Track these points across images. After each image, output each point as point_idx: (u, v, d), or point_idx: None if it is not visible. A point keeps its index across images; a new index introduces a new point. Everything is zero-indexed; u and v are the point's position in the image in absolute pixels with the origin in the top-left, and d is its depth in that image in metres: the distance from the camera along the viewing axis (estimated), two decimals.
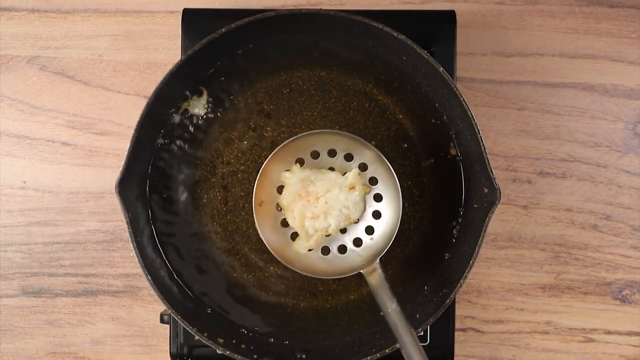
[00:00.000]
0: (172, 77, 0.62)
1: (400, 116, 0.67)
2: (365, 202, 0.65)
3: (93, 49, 0.75)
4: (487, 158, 0.61)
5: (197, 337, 0.63)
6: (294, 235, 0.65)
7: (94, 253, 0.75)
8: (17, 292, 0.76)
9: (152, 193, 0.67)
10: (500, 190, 0.60)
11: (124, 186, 0.61)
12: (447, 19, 0.70)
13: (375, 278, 0.61)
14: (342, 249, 0.65)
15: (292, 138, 0.64)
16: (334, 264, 0.64)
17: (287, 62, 0.67)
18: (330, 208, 0.63)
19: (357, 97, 0.68)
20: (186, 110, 0.67)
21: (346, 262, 0.64)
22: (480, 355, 0.75)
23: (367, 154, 0.64)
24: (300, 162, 0.65)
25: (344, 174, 0.64)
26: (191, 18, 0.70)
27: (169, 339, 0.70)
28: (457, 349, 0.74)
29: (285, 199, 0.64)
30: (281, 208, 0.65)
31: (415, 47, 0.62)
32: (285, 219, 0.65)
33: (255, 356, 0.63)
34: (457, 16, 0.70)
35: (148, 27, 0.75)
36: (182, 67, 0.63)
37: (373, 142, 0.67)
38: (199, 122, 0.67)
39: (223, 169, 0.67)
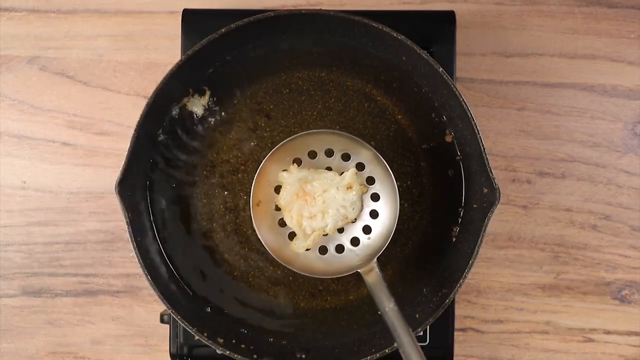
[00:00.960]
0: (172, 77, 0.63)
1: (400, 116, 0.68)
2: (362, 201, 0.65)
3: (93, 49, 0.76)
4: (487, 158, 0.61)
5: (197, 337, 0.63)
6: (292, 235, 0.65)
7: (94, 253, 0.76)
8: (17, 292, 0.76)
9: (152, 193, 0.67)
10: (499, 191, 0.60)
11: (124, 186, 0.61)
12: (447, 19, 0.70)
13: (373, 277, 0.61)
14: (340, 248, 0.65)
15: (290, 138, 0.64)
16: (332, 264, 0.65)
17: (287, 62, 0.67)
18: (327, 207, 0.63)
19: (356, 97, 0.68)
20: (186, 109, 0.67)
21: (344, 261, 0.65)
22: (480, 355, 0.75)
23: (364, 153, 0.64)
24: (298, 162, 0.65)
25: (341, 174, 0.64)
26: (191, 18, 0.70)
27: (168, 339, 0.70)
28: (457, 349, 0.74)
29: (282, 198, 0.64)
30: (279, 208, 0.65)
31: (415, 48, 0.62)
32: (282, 218, 0.65)
33: (255, 356, 0.63)
34: (457, 16, 0.70)
35: (148, 28, 0.75)
36: (182, 68, 0.63)
37: (372, 143, 0.67)
38: (199, 122, 0.67)
39: (222, 168, 0.68)
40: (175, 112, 0.67)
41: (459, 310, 0.75)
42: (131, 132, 0.62)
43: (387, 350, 0.62)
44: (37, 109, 0.76)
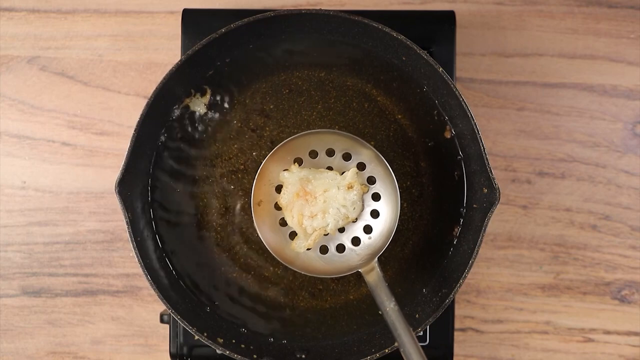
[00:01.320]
0: (172, 77, 0.63)
1: (400, 116, 0.68)
2: (363, 201, 0.65)
3: (93, 49, 0.76)
4: (487, 158, 0.61)
5: (196, 337, 0.63)
6: (293, 235, 0.65)
7: (94, 253, 0.76)
8: (17, 292, 0.76)
9: (152, 193, 0.67)
10: (499, 191, 0.60)
11: (124, 186, 0.61)
12: (447, 19, 0.70)
13: (374, 277, 0.61)
14: (341, 248, 0.65)
15: (291, 137, 0.64)
16: (333, 263, 0.65)
17: (287, 62, 0.68)
18: (328, 207, 0.63)
19: (356, 97, 0.68)
20: (187, 109, 0.67)
21: (344, 261, 0.65)
22: (480, 355, 0.75)
23: (365, 153, 0.64)
24: (299, 161, 0.65)
25: (342, 173, 0.64)
26: (191, 18, 0.70)
27: (168, 339, 0.70)
28: (457, 349, 0.74)
29: (283, 198, 0.64)
30: (280, 207, 0.65)
31: (415, 47, 0.63)
32: (283, 218, 0.65)
33: (254, 356, 0.63)
34: (457, 16, 0.70)
35: (148, 28, 0.76)
36: (182, 68, 0.63)
37: (372, 143, 0.67)
38: (199, 121, 0.67)
39: (223, 168, 0.68)
40: (176, 112, 0.67)
41: (458, 310, 0.75)
42: (131, 132, 0.62)
43: (387, 350, 0.62)
44: (37, 109, 0.76)
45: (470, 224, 0.65)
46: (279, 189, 0.65)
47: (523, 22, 0.75)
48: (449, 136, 0.66)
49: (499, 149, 0.75)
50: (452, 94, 0.63)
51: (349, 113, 0.68)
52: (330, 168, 0.65)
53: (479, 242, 0.61)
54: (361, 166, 0.65)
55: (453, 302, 0.68)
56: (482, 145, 0.62)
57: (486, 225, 0.61)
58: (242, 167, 0.68)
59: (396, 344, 0.59)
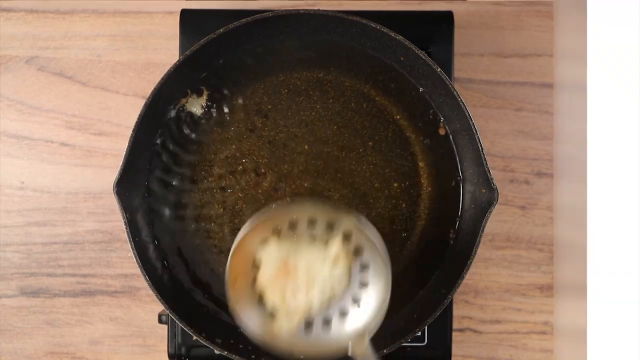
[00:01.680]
0: (170, 77, 0.63)
1: (398, 116, 0.68)
2: (350, 273, 0.58)
3: (91, 49, 0.76)
4: (485, 158, 0.61)
5: (195, 337, 0.63)
6: (273, 314, 0.58)
7: (92, 253, 0.75)
8: (16, 293, 0.76)
9: (151, 193, 0.67)
10: (497, 191, 0.60)
11: (122, 186, 0.61)
12: (445, 19, 0.70)
13: (364, 352, 0.56)
14: (327, 323, 0.58)
15: (268, 209, 0.59)
16: (318, 342, 0.57)
17: (285, 63, 0.68)
18: (312, 284, 0.57)
19: (354, 97, 0.68)
20: (185, 109, 0.67)
21: (331, 338, 0.57)
22: (478, 355, 0.75)
23: (349, 222, 0.58)
24: (278, 233, 0.58)
25: (327, 244, 0.57)
26: (189, 18, 0.70)
27: (167, 339, 0.70)
28: (455, 349, 0.73)
29: (263, 276, 0.57)
30: (259, 284, 0.58)
31: (413, 48, 0.63)
32: (262, 295, 0.58)
33: (253, 356, 0.63)
34: (455, 17, 0.70)
35: (146, 28, 0.76)
36: (180, 68, 0.63)
37: (370, 143, 0.67)
38: (197, 122, 0.67)
39: (221, 169, 0.68)
40: (173, 112, 0.67)
41: (457, 311, 0.75)
42: (129, 132, 0.62)
43: (385, 351, 0.62)
44: (35, 109, 0.76)
45: (468, 224, 0.65)
46: (258, 261, 0.58)
47: (521, 22, 0.75)
48: (443, 133, 0.66)
49: (497, 149, 0.75)
50: (450, 94, 0.63)
51: (347, 113, 0.68)
52: (312, 238, 0.58)
53: (477, 242, 0.61)
54: (347, 236, 0.58)
55: (451, 302, 0.68)
56: (481, 146, 0.62)
57: (484, 225, 0.61)
58: (241, 167, 0.68)
59: (396, 345, 0.59)
